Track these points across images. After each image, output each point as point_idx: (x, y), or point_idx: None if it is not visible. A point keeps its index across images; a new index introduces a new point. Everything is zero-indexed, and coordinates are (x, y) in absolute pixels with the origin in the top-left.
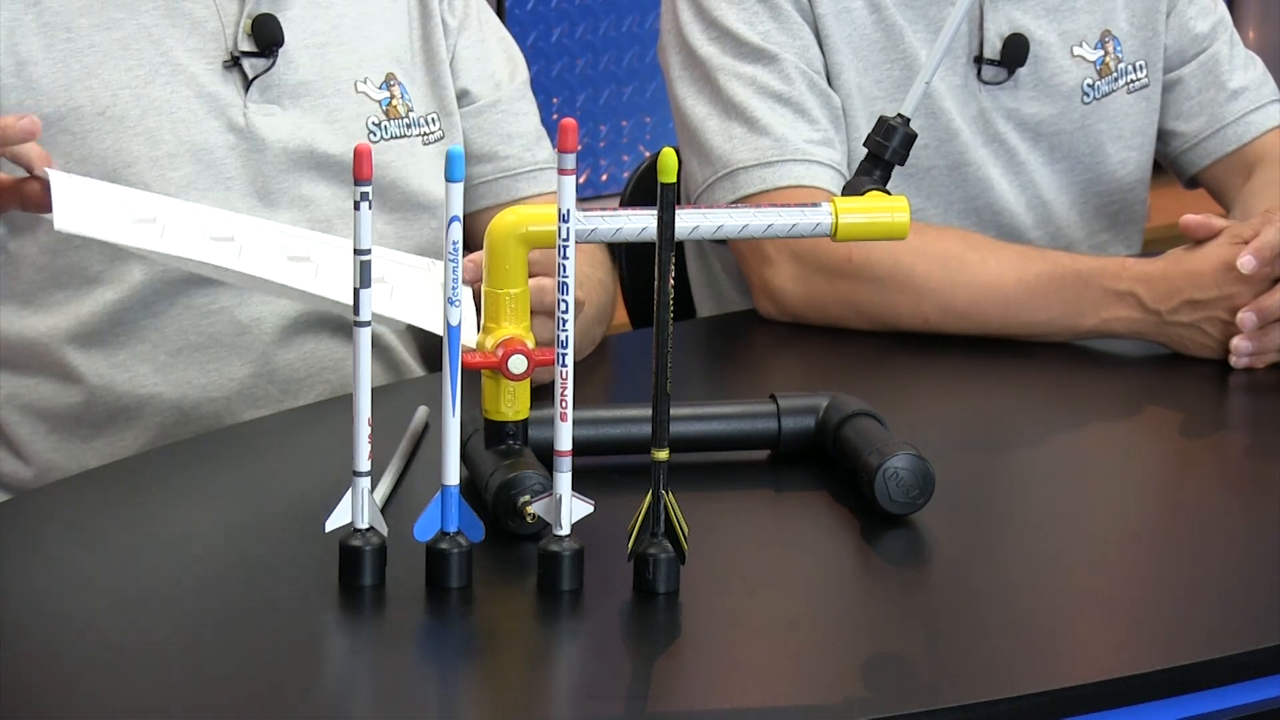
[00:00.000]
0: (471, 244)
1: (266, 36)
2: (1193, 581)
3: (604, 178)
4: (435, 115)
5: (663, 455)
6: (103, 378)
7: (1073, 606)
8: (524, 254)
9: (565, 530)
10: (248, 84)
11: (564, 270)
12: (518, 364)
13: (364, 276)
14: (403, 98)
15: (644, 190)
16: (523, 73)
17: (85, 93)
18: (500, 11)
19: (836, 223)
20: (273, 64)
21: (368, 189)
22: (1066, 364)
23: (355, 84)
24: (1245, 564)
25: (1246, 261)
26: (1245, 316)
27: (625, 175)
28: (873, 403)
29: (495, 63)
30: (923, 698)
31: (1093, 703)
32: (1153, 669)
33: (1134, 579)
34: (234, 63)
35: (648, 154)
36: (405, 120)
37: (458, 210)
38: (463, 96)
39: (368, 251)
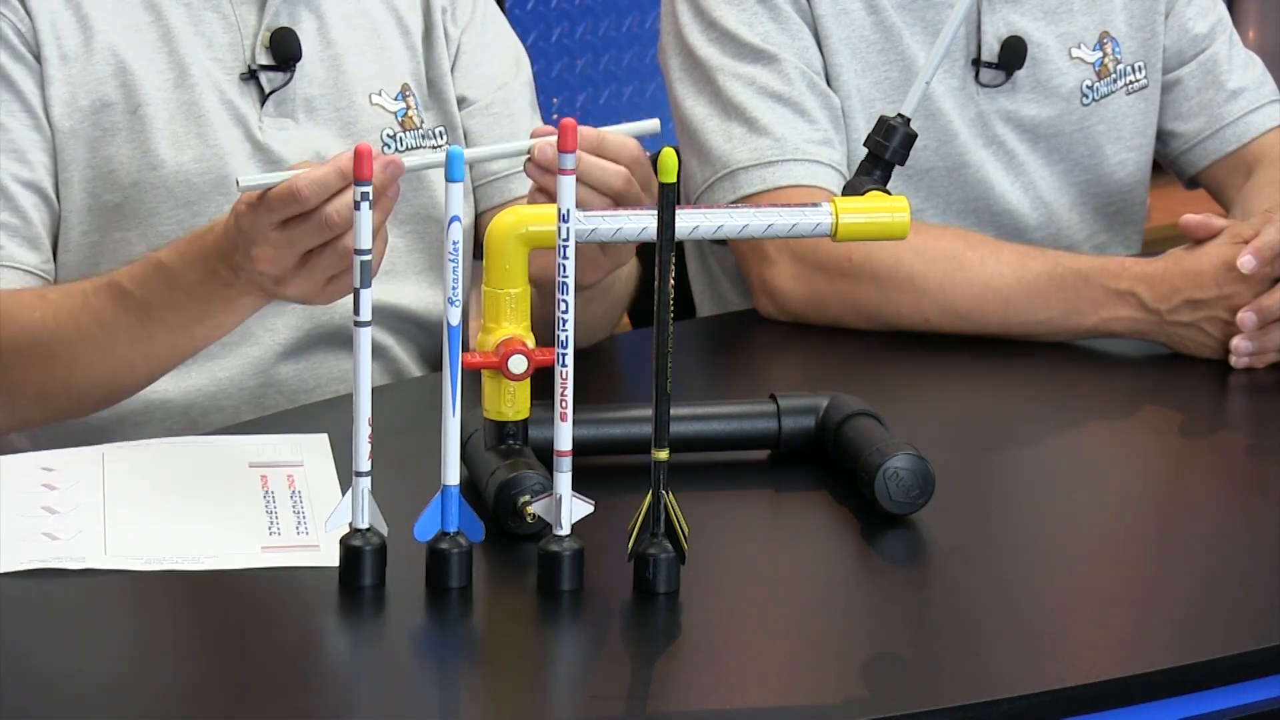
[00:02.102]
0: (478, 247)
1: (284, 51)
2: (1193, 581)
3: None
4: (442, 129)
5: (663, 455)
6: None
7: (1073, 606)
8: (524, 254)
9: (565, 530)
10: (263, 98)
11: (564, 270)
12: (518, 364)
13: (364, 277)
14: (416, 109)
15: None
16: (526, 73)
17: (120, 89)
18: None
19: (837, 223)
20: (289, 78)
21: (368, 189)
22: (1066, 364)
23: (370, 96)
24: (1245, 564)
25: (1246, 261)
26: (1245, 316)
27: None
28: (873, 403)
29: (500, 63)
30: (923, 698)
31: (1093, 703)
32: (1153, 669)
33: (1134, 579)
34: (251, 75)
35: (648, 154)
36: (420, 131)
37: (458, 210)
38: (461, 102)
39: (368, 251)
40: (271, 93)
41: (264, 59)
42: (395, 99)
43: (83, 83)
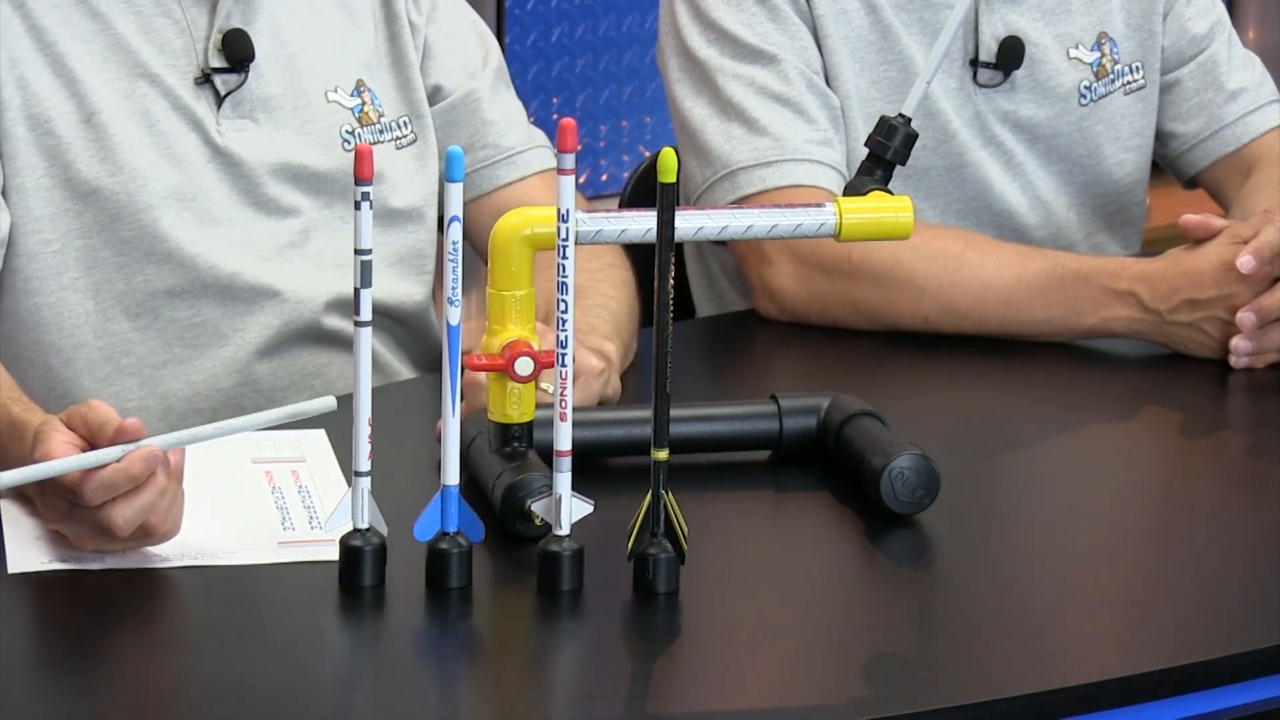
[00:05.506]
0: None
1: (238, 53)
2: (1193, 581)
3: (604, 178)
4: (406, 118)
5: (663, 455)
6: (88, 393)
7: (1073, 606)
8: (529, 256)
9: (565, 530)
10: (219, 100)
11: (564, 270)
12: (524, 366)
13: (364, 276)
14: (373, 103)
15: (644, 190)
16: (496, 56)
17: (73, 98)
18: (500, 12)
19: (840, 223)
20: (244, 80)
21: (368, 189)
22: (1066, 364)
23: (326, 94)
24: (1245, 564)
25: (1246, 261)
26: (1245, 316)
27: (625, 175)
28: (873, 403)
29: (469, 52)
30: (923, 698)
31: (1093, 703)
32: (1153, 669)
33: (1134, 579)
34: (205, 79)
35: (648, 154)
36: (378, 126)
37: (457, 210)
38: (437, 92)
39: (368, 251)
40: (227, 95)
41: (217, 61)
42: (351, 95)
43: (34, 90)
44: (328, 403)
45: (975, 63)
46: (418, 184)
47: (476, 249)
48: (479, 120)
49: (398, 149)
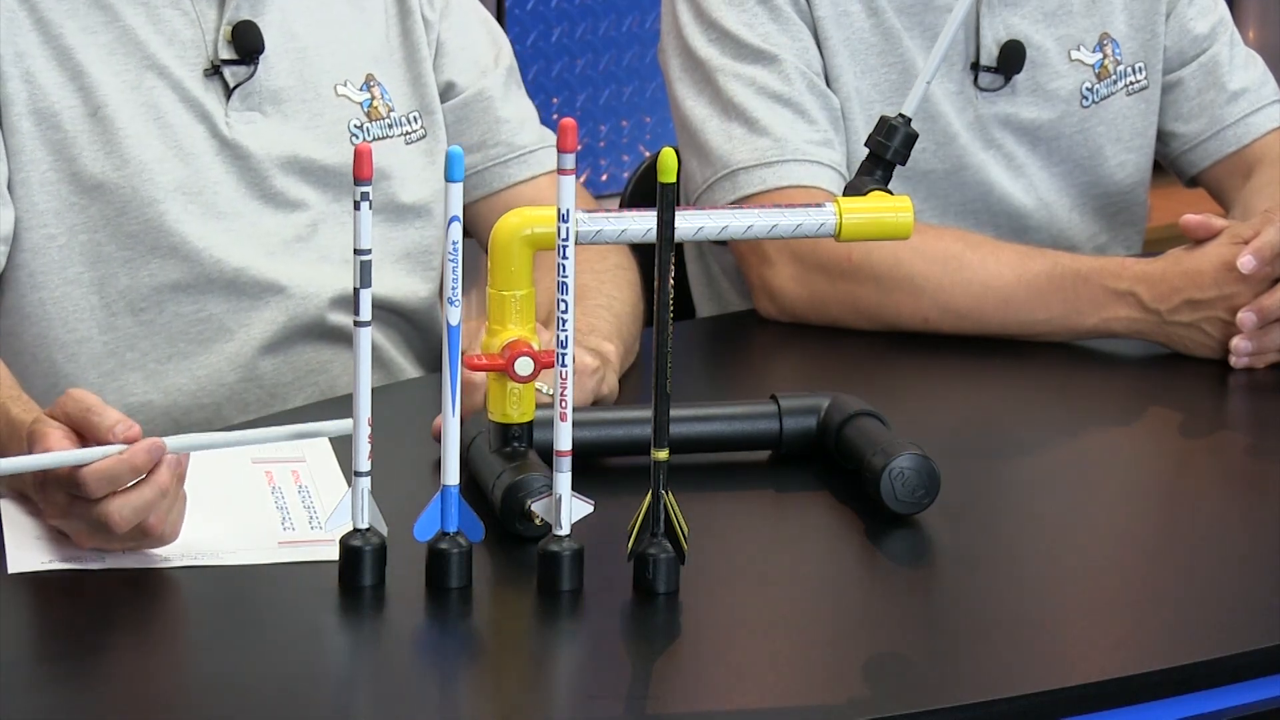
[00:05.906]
0: (467, 235)
1: (247, 44)
2: (1193, 581)
3: (604, 178)
4: (417, 113)
5: (663, 455)
6: (92, 387)
7: (1073, 606)
8: (529, 256)
9: (565, 530)
10: (229, 92)
11: (564, 270)
12: (524, 366)
13: (364, 276)
14: (383, 98)
15: (644, 190)
16: (507, 55)
17: (79, 92)
18: (500, 12)
19: (840, 223)
20: (253, 72)
21: (368, 189)
22: (1066, 364)
23: (335, 87)
24: (1245, 564)
25: (1246, 261)
26: (1245, 316)
27: (625, 175)
28: (873, 403)
29: (480, 49)
30: (923, 698)
31: (1093, 703)
32: (1153, 669)
33: (1134, 579)
34: (214, 71)
35: (648, 154)
36: (386, 121)
37: (457, 210)
38: (449, 89)
39: (368, 251)
40: (236, 87)
41: (227, 53)
42: (360, 89)
43: (40, 84)
44: (344, 426)
45: (976, 66)
46: (426, 180)
47: (486, 247)
48: (491, 118)
49: (407, 144)
